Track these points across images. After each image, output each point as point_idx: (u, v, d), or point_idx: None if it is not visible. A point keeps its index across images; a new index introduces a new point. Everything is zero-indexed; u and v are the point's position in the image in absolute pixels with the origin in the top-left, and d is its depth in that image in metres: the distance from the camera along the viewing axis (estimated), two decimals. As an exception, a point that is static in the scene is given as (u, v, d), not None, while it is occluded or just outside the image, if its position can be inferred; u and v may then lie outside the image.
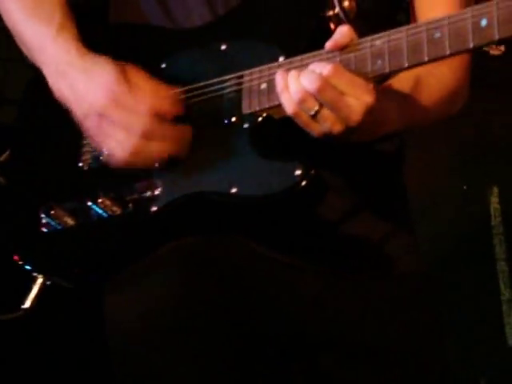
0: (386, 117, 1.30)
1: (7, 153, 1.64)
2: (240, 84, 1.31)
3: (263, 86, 1.28)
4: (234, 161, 1.30)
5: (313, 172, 1.24)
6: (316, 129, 1.20)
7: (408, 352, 1.48)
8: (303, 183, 1.23)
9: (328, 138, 1.21)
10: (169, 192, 1.35)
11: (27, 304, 1.49)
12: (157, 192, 1.36)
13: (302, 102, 1.17)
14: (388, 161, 1.53)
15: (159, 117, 1.31)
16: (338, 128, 1.18)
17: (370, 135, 1.30)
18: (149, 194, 1.37)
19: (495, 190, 3.17)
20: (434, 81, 1.43)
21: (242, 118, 1.30)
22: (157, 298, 1.35)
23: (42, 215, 1.48)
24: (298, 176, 1.23)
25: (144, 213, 1.37)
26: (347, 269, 1.45)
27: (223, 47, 1.37)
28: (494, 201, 3.16)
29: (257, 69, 1.29)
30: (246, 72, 1.31)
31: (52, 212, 1.48)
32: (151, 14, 1.52)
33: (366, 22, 1.34)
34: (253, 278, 1.40)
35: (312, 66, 1.18)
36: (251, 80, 1.30)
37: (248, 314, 1.39)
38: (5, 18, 1.54)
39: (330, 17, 1.30)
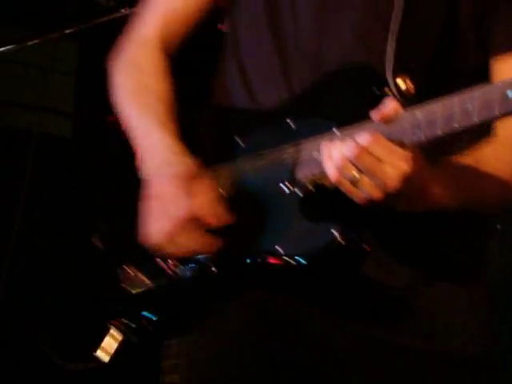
0: (433, 189, 1.35)
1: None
2: (297, 152, 1.42)
3: (315, 153, 1.37)
4: (282, 222, 1.39)
5: (349, 234, 1.31)
6: (358, 195, 1.28)
7: None
8: (338, 244, 1.30)
9: (371, 205, 1.28)
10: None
11: (105, 358, 1.62)
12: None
13: (342, 168, 1.26)
14: (452, 230, 1.53)
15: (197, 222, 1.42)
16: (377, 194, 1.25)
17: (416, 205, 1.35)
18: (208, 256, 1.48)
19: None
20: (497, 162, 1.46)
21: (295, 184, 1.39)
22: (225, 344, 1.47)
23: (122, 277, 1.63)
24: (334, 236, 1.30)
25: (206, 273, 1.48)
26: (386, 335, 1.47)
27: (290, 123, 1.48)
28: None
29: (313, 138, 1.40)
30: (303, 141, 1.41)
31: (131, 274, 1.62)
32: (236, 94, 1.66)
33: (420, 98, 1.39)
34: (299, 331, 1.48)
35: (355, 136, 1.28)
36: (306, 149, 1.40)
37: (295, 362, 1.47)
38: (119, 109, 1.70)
39: (386, 93, 1.39)
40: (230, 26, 1.70)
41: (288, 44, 1.58)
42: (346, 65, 1.49)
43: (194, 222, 1.43)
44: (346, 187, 1.28)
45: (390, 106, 1.29)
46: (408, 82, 1.42)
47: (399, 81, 1.41)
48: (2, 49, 3.15)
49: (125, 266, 1.62)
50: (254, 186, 1.45)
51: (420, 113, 1.25)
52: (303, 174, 1.39)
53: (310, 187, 1.38)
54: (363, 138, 1.25)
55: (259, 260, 1.40)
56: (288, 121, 1.48)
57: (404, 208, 1.33)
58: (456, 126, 1.19)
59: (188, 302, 1.56)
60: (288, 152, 1.44)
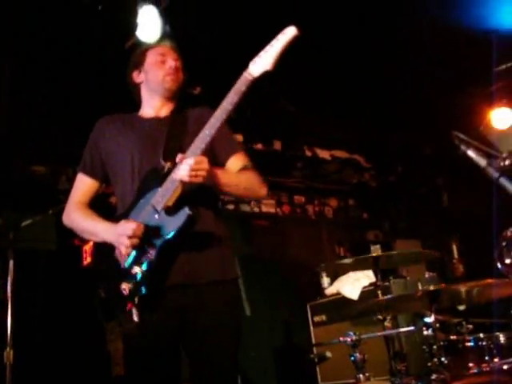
0: (216, 174, 3.32)
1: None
2: (151, 202, 3.36)
3: (158, 198, 3.41)
4: (164, 221, 3.32)
5: (191, 209, 3.19)
6: (198, 179, 3.17)
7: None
8: (188, 215, 3.19)
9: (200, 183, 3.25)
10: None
11: (136, 319, 3.29)
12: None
13: (190, 171, 3.12)
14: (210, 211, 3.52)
15: (132, 235, 3.29)
16: (200, 178, 3.19)
17: (214, 181, 3.31)
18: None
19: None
20: (239, 174, 3.57)
21: (159, 210, 3.32)
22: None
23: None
24: (188, 212, 3.21)
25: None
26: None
27: (141, 200, 3.50)
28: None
29: (151, 196, 3.41)
30: (150, 199, 3.41)
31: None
32: (125, 203, 3.65)
33: None
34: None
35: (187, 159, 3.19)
36: (154, 200, 3.37)
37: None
38: (75, 224, 3.68)
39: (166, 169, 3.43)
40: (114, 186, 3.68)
41: (134, 181, 3.51)
42: (152, 169, 3.45)
43: (131, 236, 3.28)
44: (193, 178, 3.12)
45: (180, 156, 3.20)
46: (170, 163, 3.40)
47: (167, 163, 3.39)
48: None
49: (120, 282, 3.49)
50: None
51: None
52: (160, 206, 3.42)
53: (167, 205, 3.38)
54: (191, 159, 3.14)
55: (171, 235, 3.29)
56: (141, 200, 3.44)
57: (209, 182, 3.27)
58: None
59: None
60: (148, 205, 3.37)
